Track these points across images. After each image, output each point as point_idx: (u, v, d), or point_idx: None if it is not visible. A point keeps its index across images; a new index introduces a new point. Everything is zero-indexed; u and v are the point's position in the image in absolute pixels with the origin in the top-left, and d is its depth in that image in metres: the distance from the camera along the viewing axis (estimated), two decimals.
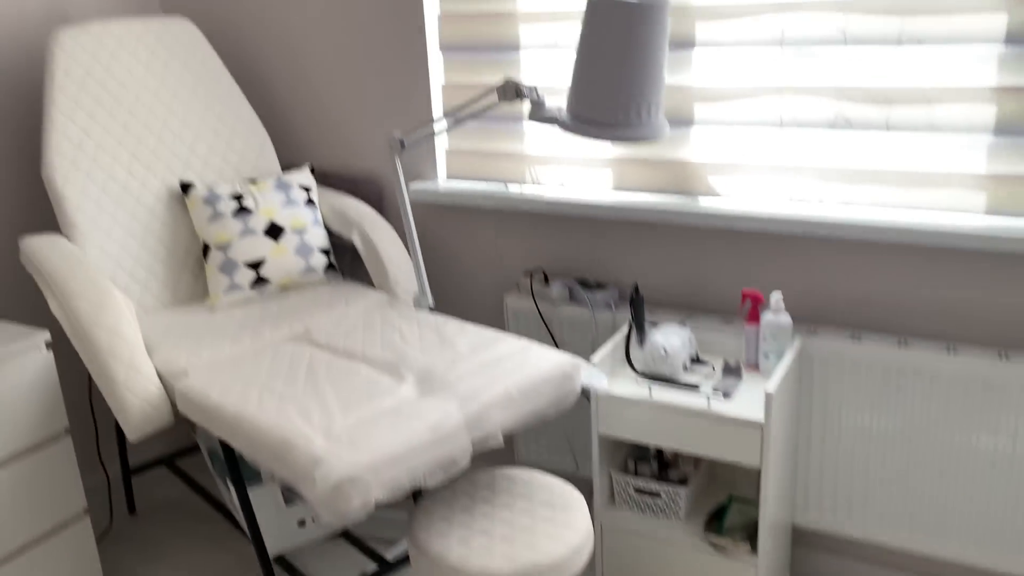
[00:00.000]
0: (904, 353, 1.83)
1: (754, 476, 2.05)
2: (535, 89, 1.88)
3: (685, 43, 1.98)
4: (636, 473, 2.01)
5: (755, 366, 1.95)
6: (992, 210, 1.78)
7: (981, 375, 1.77)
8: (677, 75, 2.01)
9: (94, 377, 1.87)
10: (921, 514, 1.91)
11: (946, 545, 1.90)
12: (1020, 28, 1.66)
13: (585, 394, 2.22)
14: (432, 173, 2.41)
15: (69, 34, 2.19)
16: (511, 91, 1.88)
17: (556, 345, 2.25)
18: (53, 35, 2.18)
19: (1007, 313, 1.81)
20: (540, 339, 2.27)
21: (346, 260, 2.48)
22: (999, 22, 1.68)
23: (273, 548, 2.14)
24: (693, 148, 2.04)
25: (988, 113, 1.73)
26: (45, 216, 2.43)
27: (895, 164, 1.84)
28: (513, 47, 2.19)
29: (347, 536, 2.28)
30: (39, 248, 2.04)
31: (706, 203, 2.03)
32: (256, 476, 2.14)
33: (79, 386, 2.54)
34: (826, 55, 1.85)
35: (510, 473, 1.82)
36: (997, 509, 1.83)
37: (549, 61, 2.16)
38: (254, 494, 2.07)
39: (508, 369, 1.74)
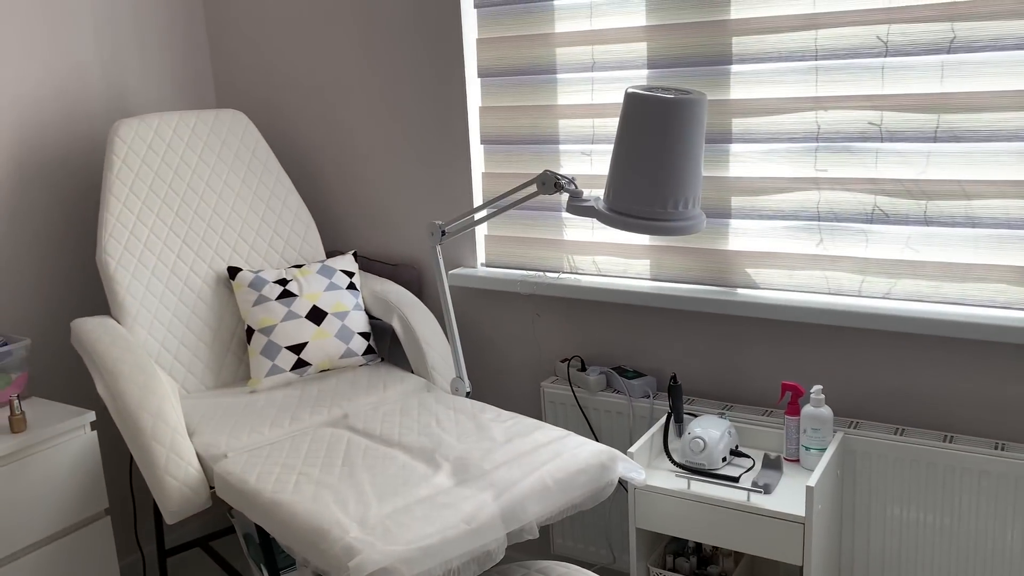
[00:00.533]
0: (949, 449, 1.79)
1: (796, 573, 1.99)
2: (573, 180, 1.92)
3: (723, 137, 2.02)
4: (674, 568, 1.97)
5: (796, 459, 1.92)
6: None
7: (1013, 473, 1.72)
8: (715, 168, 2.05)
9: (136, 459, 1.90)
10: None
11: None
12: None
13: (623, 485, 2.20)
14: (472, 259, 2.45)
15: (128, 124, 2.30)
16: (550, 183, 1.92)
17: (593, 433, 2.24)
18: (114, 126, 2.29)
19: None
20: (577, 427, 2.26)
21: (385, 344, 2.51)
22: None
23: None
24: (731, 239, 2.06)
25: None
26: (96, 300, 2.50)
27: (935, 256, 1.84)
28: (553, 140, 2.25)
29: None
30: (90, 330, 2.10)
31: (744, 293, 2.03)
32: (290, 562, 2.14)
33: (120, 466, 2.57)
34: (862, 149, 1.87)
35: (545, 567, 1.79)
36: None
37: (587, 154, 2.21)
38: None
39: (544, 458, 1.74)
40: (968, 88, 1.74)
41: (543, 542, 2.48)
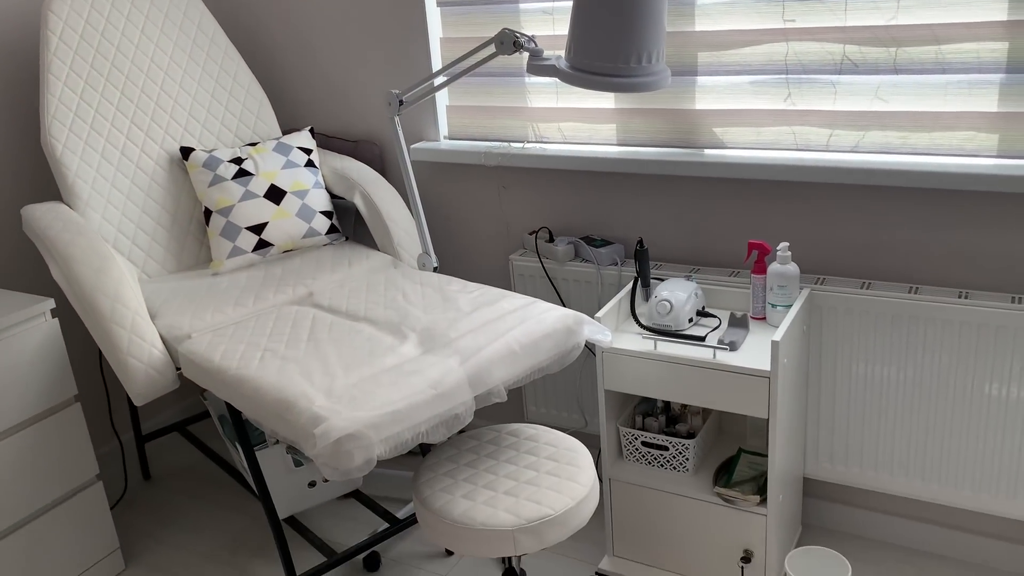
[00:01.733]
0: (914, 300, 1.80)
1: (763, 428, 2.03)
2: (533, 39, 1.84)
3: None
4: (643, 427, 2.00)
5: (762, 318, 1.93)
6: (1004, 151, 1.73)
7: (993, 320, 1.73)
8: (680, 23, 1.97)
9: (98, 343, 1.87)
10: (933, 462, 1.89)
11: (958, 493, 1.88)
12: None
13: (590, 349, 2.21)
14: (434, 132, 2.38)
15: None
16: (508, 41, 1.84)
17: (562, 303, 2.23)
18: (45, 1, 2.15)
19: (1020, 255, 1.77)
20: (546, 298, 2.25)
21: (350, 223, 2.46)
22: None
23: (284, 510, 2.15)
24: (697, 98, 2.00)
25: (1000, 50, 1.68)
26: (47, 186, 2.42)
27: (904, 106, 1.79)
28: None
29: (358, 496, 2.29)
30: (40, 216, 2.03)
31: (711, 154, 1.99)
32: (263, 439, 2.15)
33: (90, 356, 2.55)
34: None
35: (515, 429, 1.81)
36: (1010, 456, 1.80)
37: (549, 13, 2.11)
38: (263, 457, 2.08)
39: (510, 325, 1.73)
40: None
41: (517, 410, 2.51)
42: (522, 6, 2.14)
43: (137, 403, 1.85)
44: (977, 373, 1.79)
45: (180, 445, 2.79)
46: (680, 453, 1.92)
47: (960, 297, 1.78)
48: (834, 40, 1.82)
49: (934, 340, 1.81)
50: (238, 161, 2.22)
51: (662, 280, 2.03)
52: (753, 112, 1.94)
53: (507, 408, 2.53)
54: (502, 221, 2.36)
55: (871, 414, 1.93)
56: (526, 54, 1.84)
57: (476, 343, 1.66)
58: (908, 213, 1.85)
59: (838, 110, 1.86)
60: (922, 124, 1.78)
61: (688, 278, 2.02)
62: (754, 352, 1.79)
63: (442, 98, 2.35)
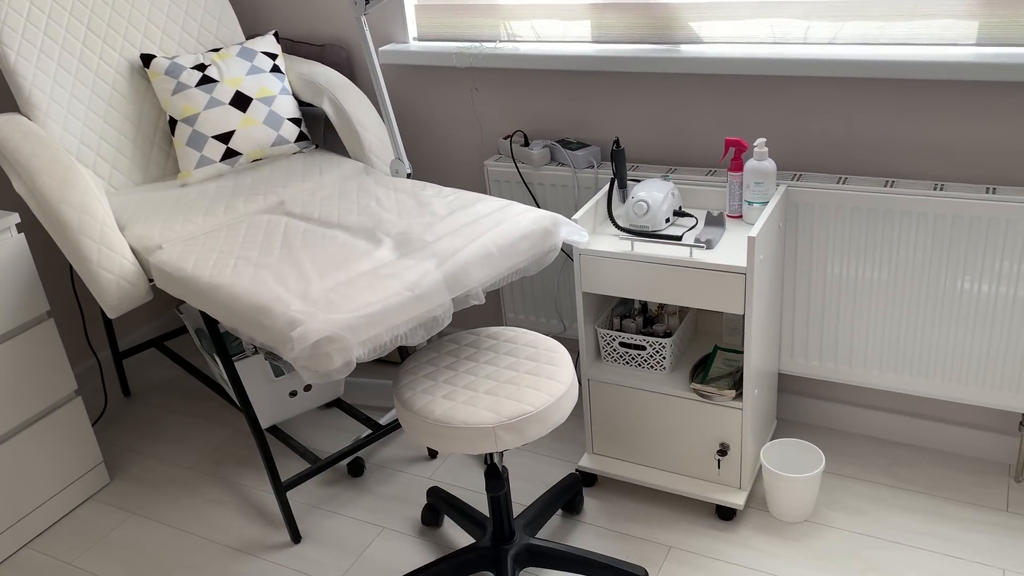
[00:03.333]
0: (890, 193, 1.80)
1: (739, 326, 2.05)
2: None
3: None
4: (621, 328, 2.01)
5: (739, 216, 1.92)
6: (983, 39, 1.71)
7: (967, 211, 1.74)
8: None
9: (67, 256, 1.84)
10: (905, 355, 1.92)
11: (929, 383, 1.92)
12: None
13: (567, 252, 2.20)
14: (403, 34, 2.31)
15: None
16: None
17: (539, 207, 2.21)
18: None
19: (996, 145, 1.77)
20: (523, 203, 2.23)
21: (319, 130, 2.41)
22: None
23: (266, 419, 2.17)
24: None
25: None
26: (2, 98, 2.34)
27: None
28: None
29: (340, 405, 2.31)
30: None
31: (687, 49, 1.95)
32: (242, 349, 2.15)
33: (61, 272, 2.51)
34: None
35: (494, 331, 1.81)
36: (979, 346, 1.84)
37: None
38: (242, 367, 2.08)
39: (487, 227, 1.71)
40: None
41: (496, 316, 2.52)
42: None
43: (111, 315, 1.84)
44: (950, 267, 1.80)
45: (158, 361, 2.79)
46: (657, 352, 1.94)
47: (935, 189, 1.78)
48: None
49: (909, 234, 1.81)
50: (201, 68, 2.15)
51: (639, 181, 2.01)
52: (730, 4, 1.89)
53: (486, 314, 2.54)
54: (475, 125, 2.32)
55: (845, 310, 1.95)
56: None
57: (452, 245, 1.65)
58: (885, 106, 1.83)
59: (815, 0, 1.81)
60: (900, 12, 1.75)
61: (665, 178, 2.00)
62: (730, 250, 1.79)
63: None
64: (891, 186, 1.82)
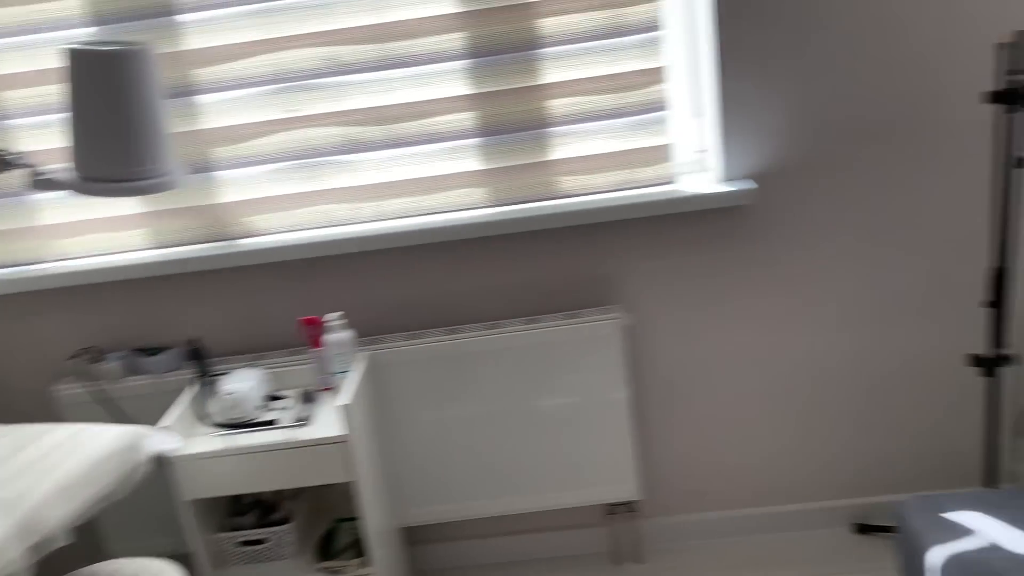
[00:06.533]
0: (454, 339, 2.02)
1: (353, 493, 2.09)
2: (22, 155, 1.72)
3: (187, 90, 1.96)
4: (240, 528, 1.94)
5: (331, 387, 2.00)
6: (493, 201, 2.04)
7: (514, 343, 2.01)
8: (187, 122, 1.99)
9: None
10: (506, 477, 2.12)
11: (527, 498, 2.13)
12: (474, 45, 1.93)
13: (161, 462, 2.09)
14: None
15: None
16: None
17: (127, 422, 2.09)
18: None
19: (528, 282, 2.09)
20: (106, 423, 2.09)
21: None
22: (457, 41, 1.93)
23: None
24: (223, 192, 2.04)
25: (471, 118, 1.98)
26: None
27: (406, 174, 2.02)
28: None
29: None
30: None
31: (247, 243, 2.04)
32: None
33: None
34: (324, 84, 1.96)
35: (91, 571, 1.64)
36: (558, 453, 2.10)
37: (42, 126, 2.00)
38: None
39: (60, 458, 1.57)
40: (403, 16, 1.91)
41: (95, 548, 2.27)
42: (11, 123, 1.99)
43: None
44: (520, 389, 2.05)
45: None
46: (280, 540, 1.91)
47: (489, 330, 2.04)
48: (336, 124, 1.99)
49: (478, 370, 2.04)
50: None
51: (227, 373, 2.01)
52: (279, 198, 2.04)
53: (81, 550, 2.28)
54: (36, 351, 2.15)
55: (446, 450, 2.10)
56: (23, 171, 1.72)
57: (19, 490, 1.49)
58: (437, 265, 2.08)
59: (355, 185, 2.03)
60: (425, 188, 2.03)
61: (252, 366, 2.03)
62: (326, 422, 1.85)
63: None
64: (453, 333, 2.04)
